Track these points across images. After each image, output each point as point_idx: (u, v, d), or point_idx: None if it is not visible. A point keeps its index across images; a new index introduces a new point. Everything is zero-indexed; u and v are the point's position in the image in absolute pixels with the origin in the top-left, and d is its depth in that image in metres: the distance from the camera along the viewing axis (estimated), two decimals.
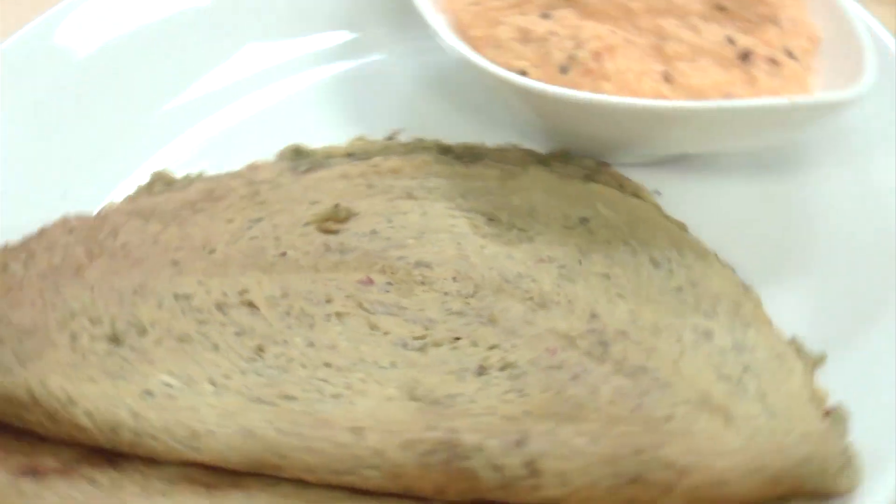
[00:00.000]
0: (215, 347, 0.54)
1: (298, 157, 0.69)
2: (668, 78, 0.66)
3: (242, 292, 0.57)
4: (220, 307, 0.56)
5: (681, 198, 0.69)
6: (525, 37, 0.68)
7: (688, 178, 0.72)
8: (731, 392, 0.54)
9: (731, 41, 0.67)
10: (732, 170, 0.73)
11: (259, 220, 0.63)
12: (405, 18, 0.74)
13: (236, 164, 0.69)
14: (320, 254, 0.61)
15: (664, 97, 0.65)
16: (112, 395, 0.50)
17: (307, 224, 0.63)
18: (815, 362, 0.58)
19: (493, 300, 0.59)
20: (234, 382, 0.52)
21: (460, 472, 0.48)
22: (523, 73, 0.66)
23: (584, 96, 0.63)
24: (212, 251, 0.60)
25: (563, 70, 0.66)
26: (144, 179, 0.67)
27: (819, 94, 0.65)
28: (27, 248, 0.58)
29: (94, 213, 0.63)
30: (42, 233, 0.59)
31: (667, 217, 0.67)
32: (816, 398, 0.55)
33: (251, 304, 0.56)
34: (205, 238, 0.61)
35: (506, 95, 0.69)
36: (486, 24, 0.70)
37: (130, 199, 0.64)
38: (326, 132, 0.73)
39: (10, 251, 0.58)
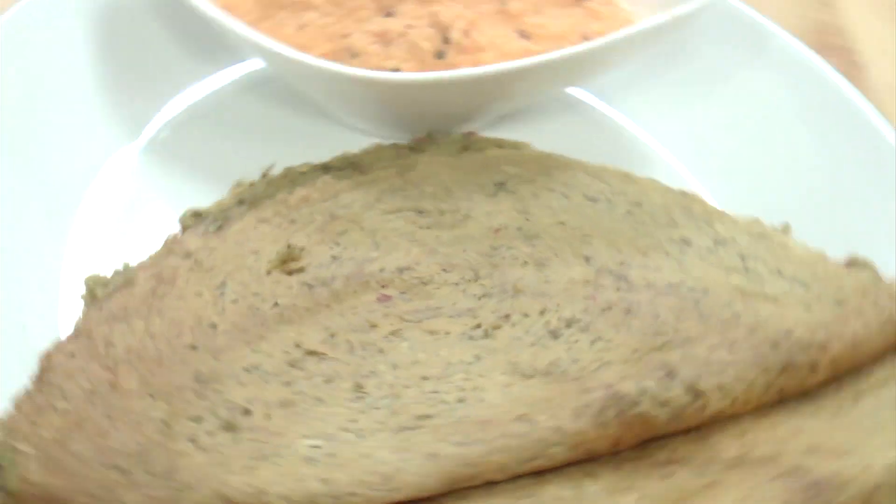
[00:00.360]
0: (320, 401, 0.53)
1: (201, 219, 0.67)
2: (525, 35, 0.70)
3: (298, 345, 0.56)
4: (293, 364, 0.55)
5: (551, 144, 0.72)
6: (384, 38, 0.69)
7: (541, 124, 0.77)
8: (750, 280, 0.59)
9: None
10: (571, 106, 0.79)
11: (223, 284, 0.61)
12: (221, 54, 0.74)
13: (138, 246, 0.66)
14: (307, 292, 0.60)
15: (533, 53, 0.67)
16: (284, 473, 0.48)
17: (269, 272, 0.62)
18: (784, 232, 0.64)
19: (500, 275, 0.60)
20: (365, 423, 0.51)
21: (635, 418, 0.51)
22: (396, 70, 0.68)
23: (503, 68, 0.65)
24: (213, 326, 0.58)
25: (440, 55, 0.68)
26: (80, 290, 0.63)
27: (685, 5, 0.70)
28: (53, 383, 0.54)
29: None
30: (50, 366, 0.55)
31: (565, 158, 0.70)
32: (822, 259, 0.61)
33: (315, 353, 0.55)
34: (194, 318, 0.58)
35: (379, 98, 0.70)
36: (327, 40, 0.70)
37: (98, 308, 0.60)
38: (197, 191, 0.71)
39: (40, 392, 0.53)
